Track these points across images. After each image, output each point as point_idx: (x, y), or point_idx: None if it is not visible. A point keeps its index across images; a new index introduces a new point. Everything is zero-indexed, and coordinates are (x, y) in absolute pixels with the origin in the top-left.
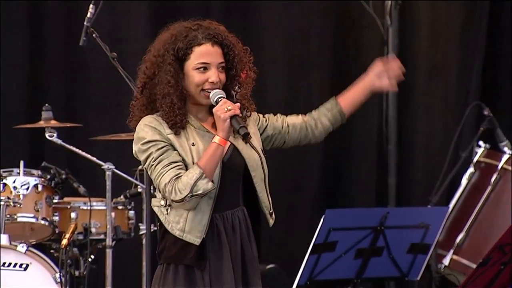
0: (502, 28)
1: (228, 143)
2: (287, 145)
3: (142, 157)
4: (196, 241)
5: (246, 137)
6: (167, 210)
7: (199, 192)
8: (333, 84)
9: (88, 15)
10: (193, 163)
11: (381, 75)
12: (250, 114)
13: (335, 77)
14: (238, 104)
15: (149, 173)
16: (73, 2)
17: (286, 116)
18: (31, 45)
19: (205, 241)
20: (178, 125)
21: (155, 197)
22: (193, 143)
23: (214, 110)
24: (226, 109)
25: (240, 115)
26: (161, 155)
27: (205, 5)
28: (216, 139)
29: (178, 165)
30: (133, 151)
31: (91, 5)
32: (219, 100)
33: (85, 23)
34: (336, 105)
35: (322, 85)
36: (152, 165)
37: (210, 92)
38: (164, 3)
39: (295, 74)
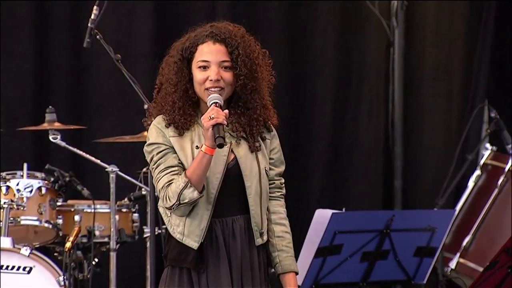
0: (509, 29)
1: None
2: None
3: (147, 158)
4: (194, 245)
5: (221, 147)
6: (170, 212)
7: (186, 201)
8: (338, 87)
9: (92, 16)
10: None
11: None
12: (268, 124)
13: (340, 79)
14: (226, 111)
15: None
16: (77, 3)
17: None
18: (35, 47)
19: (203, 245)
20: (178, 126)
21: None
22: (197, 146)
23: (202, 117)
24: (209, 118)
25: (225, 123)
26: (159, 159)
27: (210, 6)
28: (203, 147)
29: (173, 171)
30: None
31: (95, 7)
32: (211, 106)
33: (89, 24)
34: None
35: (327, 87)
36: (152, 168)
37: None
38: (169, 5)
39: (300, 76)
